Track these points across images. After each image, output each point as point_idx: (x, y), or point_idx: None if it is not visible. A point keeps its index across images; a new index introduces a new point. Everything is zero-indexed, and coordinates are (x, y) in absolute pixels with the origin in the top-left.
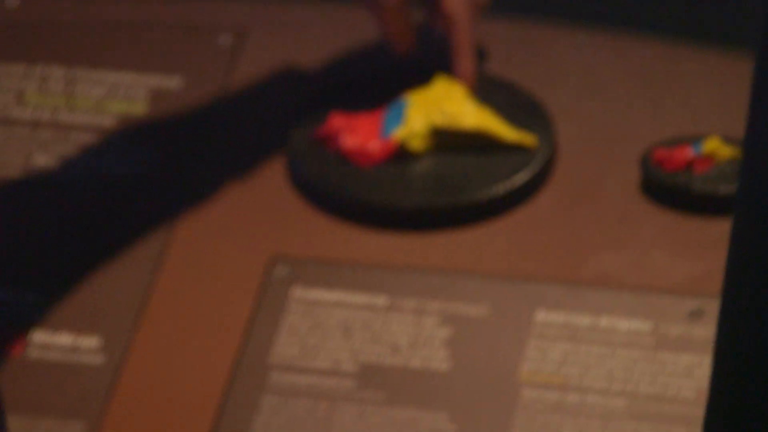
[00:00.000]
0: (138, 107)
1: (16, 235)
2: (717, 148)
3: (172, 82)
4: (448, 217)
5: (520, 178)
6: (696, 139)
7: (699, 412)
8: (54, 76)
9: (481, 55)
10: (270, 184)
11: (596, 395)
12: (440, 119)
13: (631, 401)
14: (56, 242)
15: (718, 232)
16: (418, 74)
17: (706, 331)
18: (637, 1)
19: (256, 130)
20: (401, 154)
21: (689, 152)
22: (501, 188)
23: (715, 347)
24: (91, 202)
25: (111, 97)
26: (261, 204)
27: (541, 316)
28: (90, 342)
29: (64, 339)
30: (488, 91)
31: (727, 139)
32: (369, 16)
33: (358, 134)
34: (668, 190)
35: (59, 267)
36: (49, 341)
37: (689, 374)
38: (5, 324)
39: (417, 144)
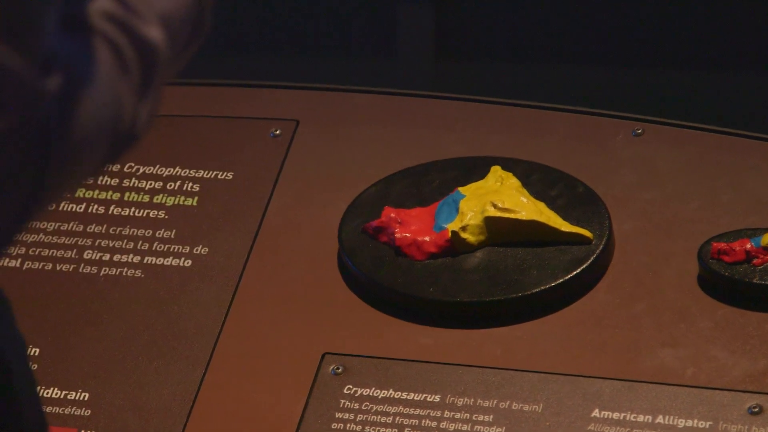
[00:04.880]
0: (191, 200)
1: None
2: None
3: (225, 175)
4: (502, 312)
5: (576, 272)
6: (755, 231)
7: None
8: (107, 170)
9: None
10: (322, 278)
11: None
12: (493, 211)
13: None
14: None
15: None
16: (472, 168)
17: (767, 429)
18: (692, 90)
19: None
20: (455, 248)
21: (748, 244)
22: (556, 283)
23: None
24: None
25: (164, 191)
26: (312, 298)
27: (597, 413)
28: None
29: None
30: (544, 182)
31: None
32: (422, 108)
33: (411, 227)
34: (727, 282)
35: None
36: None
37: None
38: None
39: (470, 237)
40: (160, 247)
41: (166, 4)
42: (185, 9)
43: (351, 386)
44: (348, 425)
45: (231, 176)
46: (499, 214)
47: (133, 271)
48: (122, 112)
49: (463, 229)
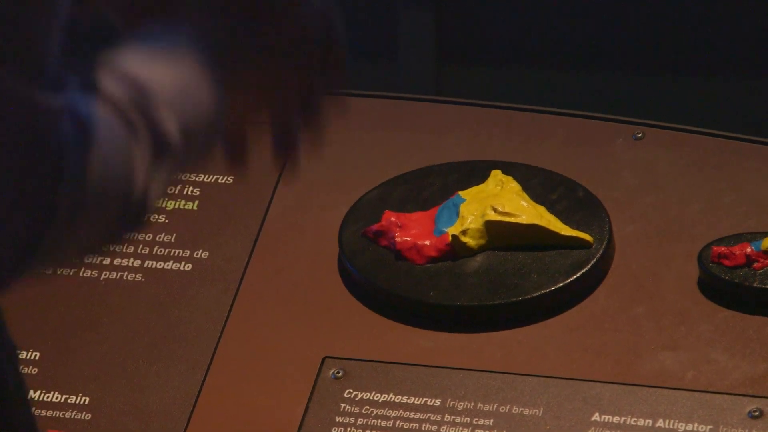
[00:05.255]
0: (191, 204)
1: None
2: None
3: (226, 179)
4: (503, 316)
5: (576, 276)
6: (755, 235)
7: None
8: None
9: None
10: (322, 282)
11: None
12: (494, 215)
13: None
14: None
15: None
16: (472, 171)
17: None
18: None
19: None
20: (455, 251)
21: (748, 248)
22: (557, 287)
23: None
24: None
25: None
26: (313, 302)
27: (597, 417)
28: None
29: None
30: (545, 186)
31: None
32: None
33: (411, 231)
34: (727, 286)
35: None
36: None
37: None
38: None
39: (471, 241)
40: (161, 251)
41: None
42: (200, 120)
43: (351, 390)
44: (348, 429)
45: (231, 180)
46: (499, 218)
47: (134, 275)
48: (132, 179)
49: (464, 233)
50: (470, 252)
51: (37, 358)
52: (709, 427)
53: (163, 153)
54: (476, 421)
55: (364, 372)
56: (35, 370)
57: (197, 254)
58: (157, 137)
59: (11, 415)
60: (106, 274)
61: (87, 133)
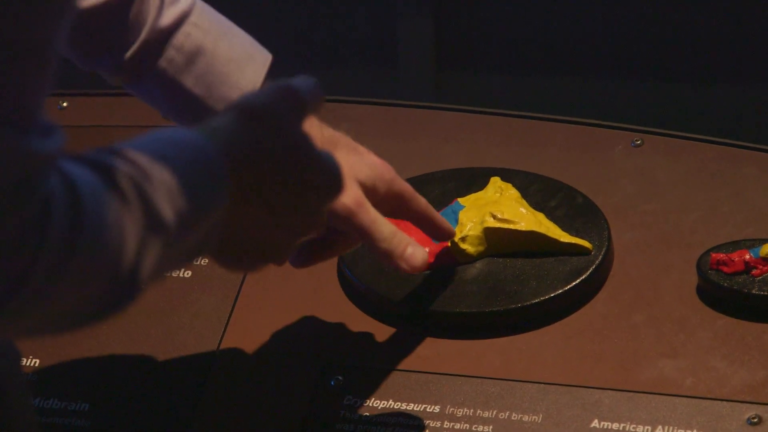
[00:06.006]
0: None
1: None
2: None
3: None
4: (502, 322)
5: (575, 282)
6: (754, 242)
7: None
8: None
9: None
10: (322, 289)
11: None
12: (493, 222)
13: None
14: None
15: None
16: (471, 178)
17: None
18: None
19: None
20: (454, 258)
21: (747, 255)
22: (556, 293)
23: None
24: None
25: None
26: (312, 309)
27: (597, 424)
28: None
29: None
30: (544, 193)
31: None
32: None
33: (410, 238)
34: (726, 293)
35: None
36: None
37: None
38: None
39: (470, 247)
40: None
41: (183, 205)
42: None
43: (351, 397)
44: None
45: None
46: (498, 225)
47: None
48: (124, 249)
49: (463, 239)
50: (469, 259)
51: (36, 365)
52: None
53: (157, 234)
54: (475, 427)
55: (363, 379)
56: (35, 377)
57: (197, 261)
58: (152, 218)
59: (12, 416)
60: None
61: (76, 194)
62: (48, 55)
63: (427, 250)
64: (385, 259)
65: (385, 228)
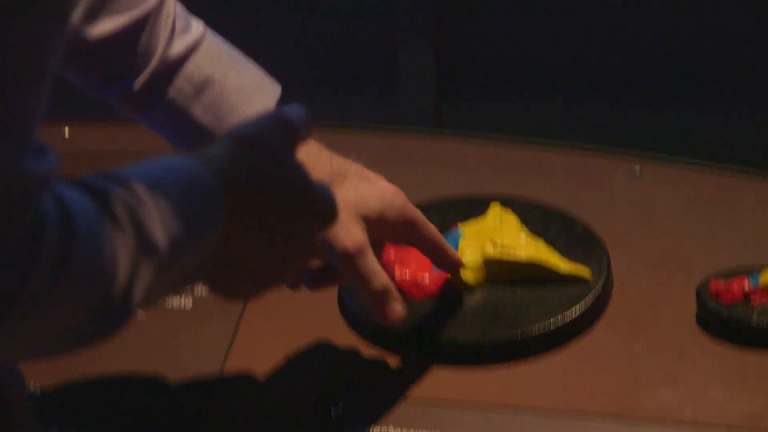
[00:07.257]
0: None
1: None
2: None
3: None
4: (502, 350)
5: (575, 311)
6: (753, 270)
7: None
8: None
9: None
10: (322, 317)
11: None
12: (493, 250)
13: None
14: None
15: None
16: (471, 206)
17: None
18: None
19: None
20: (454, 287)
21: (746, 284)
22: (555, 322)
23: None
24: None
25: None
26: (312, 337)
27: None
28: None
29: None
30: (544, 221)
31: None
32: (422, 146)
33: (410, 266)
34: (725, 322)
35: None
36: None
37: None
38: None
39: (470, 276)
40: None
41: (177, 230)
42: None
43: (351, 424)
44: None
45: None
46: (498, 255)
47: None
48: (115, 273)
49: (463, 267)
50: (469, 287)
51: (38, 393)
52: None
53: (149, 258)
54: None
55: (363, 407)
56: (37, 404)
57: (197, 292)
58: (145, 242)
59: None
60: None
61: (68, 217)
62: (43, 75)
63: (427, 277)
64: (368, 306)
65: (378, 280)
